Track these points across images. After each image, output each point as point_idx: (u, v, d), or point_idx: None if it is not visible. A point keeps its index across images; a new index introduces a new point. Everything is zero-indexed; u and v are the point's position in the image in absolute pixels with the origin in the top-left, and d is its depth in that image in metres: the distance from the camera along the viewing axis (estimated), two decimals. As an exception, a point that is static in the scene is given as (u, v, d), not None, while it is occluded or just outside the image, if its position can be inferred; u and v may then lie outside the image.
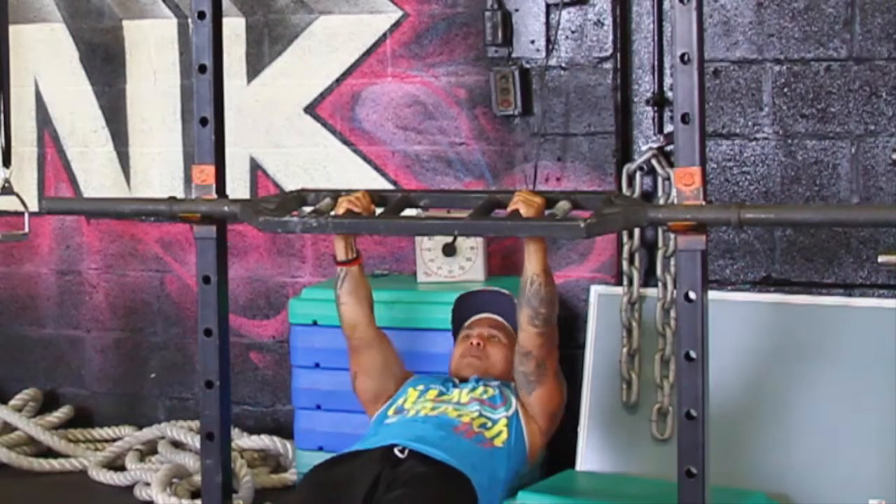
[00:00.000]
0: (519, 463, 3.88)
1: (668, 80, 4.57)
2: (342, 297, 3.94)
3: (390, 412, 3.92)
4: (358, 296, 3.93)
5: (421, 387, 3.97)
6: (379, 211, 3.44)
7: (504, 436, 3.82)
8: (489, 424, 3.82)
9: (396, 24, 4.90)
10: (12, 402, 5.39)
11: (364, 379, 4.03)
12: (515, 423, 3.86)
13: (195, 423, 4.98)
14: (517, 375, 3.90)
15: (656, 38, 4.60)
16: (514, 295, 3.96)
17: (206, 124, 3.28)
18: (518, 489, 4.23)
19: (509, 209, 3.33)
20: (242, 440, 4.94)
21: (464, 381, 3.99)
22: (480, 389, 3.92)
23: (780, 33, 4.48)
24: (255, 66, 5.12)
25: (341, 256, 3.91)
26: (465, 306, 4.19)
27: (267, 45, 5.09)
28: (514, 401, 3.90)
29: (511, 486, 3.90)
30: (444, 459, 3.61)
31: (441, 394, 3.93)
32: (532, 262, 3.68)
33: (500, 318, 4.10)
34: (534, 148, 4.71)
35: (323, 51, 5.02)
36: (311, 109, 5.05)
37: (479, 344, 4.03)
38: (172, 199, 3.38)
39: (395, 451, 3.61)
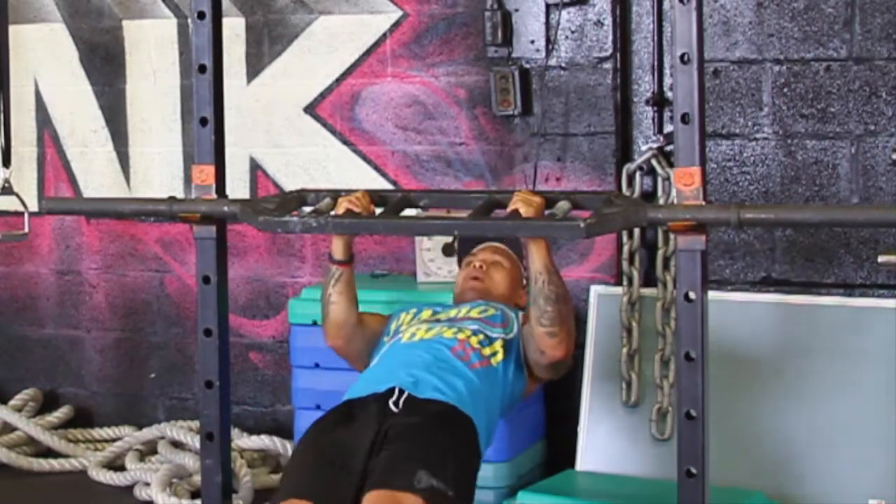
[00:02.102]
0: (513, 394, 3.78)
1: (668, 80, 4.57)
2: (333, 296, 3.88)
3: (385, 339, 3.85)
4: (349, 297, 3.89)
5: (413, 309, 3.92)
6: (379, 211, 3.44)
7: (500, 356, 3.74)
8: (486, 342, 3.76)
9: (396, 24, 4.90)
10: (12, 402, 5.39)
11: (360, 361, 3.95)
12: (515, 349, 3.78)
13: (195, 423, 4.98)
14: (527, 350, 3.81)
15: (656, 38, 4.60)
16: None
17: (206, 124, 3.28)
18: (518, 489, 4.24)
19: (509, 209, 3.32)
20: (242, 440, 4.94)
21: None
22: (481, 307, 3.88)
23: (780, 33, 4.48)
24: (255, 66, 5.12)
25: (339, 256, 3.88)
26: (470, 237, 4.17)
27: (267, 45, 5.09)
28: (515, 326, 3.84)
29: (505, 413, 3.79)
30: (441, 399, 3.53)
31: (436, 312, 3.89)
32: (535, 261, 3.64)
33: (502, 246, 4.09)
34: (534, 148, 4.71)
35: (323, 51, 5.02)
36: (311, 109, 5.05)
37: (481, 267, 4.04)
38: (172, 199, 3.38)
39: (390, 404, 3.51)
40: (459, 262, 4.18)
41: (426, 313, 3.89)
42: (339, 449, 3.44)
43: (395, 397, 3.53)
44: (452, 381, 3.59)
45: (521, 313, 3.90)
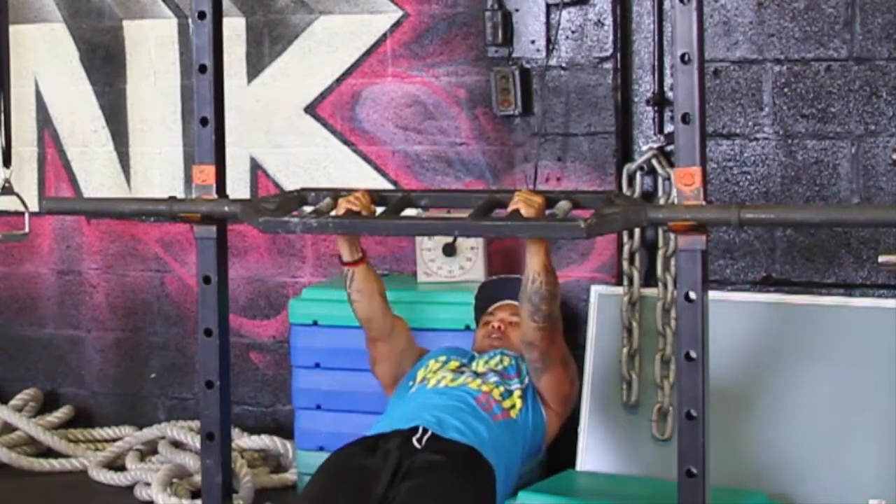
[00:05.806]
0: (534, 440, 3.92)
1: (668, 80, 4.57)
2: (353, 295, 4.02)
3: (411, 383, 3.98)
4: (368, 292, 4.00)
5: (443, 358, 4.04)
6: (379, 210, 3.44)
7: (519, 406, 3.88)
8: (507, 394, 3.89)
9: (396, 24, 4.90)
10: (12, 402, 5.39)
11: (383, 365, 4.12)
12: (531, 398, 3.92)
13: (195, 423, 4.98)
14: (526, 364, 3.96)
15: (656, 38, 4.60)
16: None
17: (206, 124, 3.28)
18: (518, 489, 4.24)
19: (510, 209, 3.32)
20: (242, 440, 4.94)
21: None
22: (497, 359, 4.00)
23: (780, 33, 4.48)
24: (255, 66, 5.12)
25: (347, 258, 3.96)
26: (487, 293, 4.32)
27: (267, 45, 5.09)
28: (527, 375, 3.97)
29: (525, 465, 3.94)
30: (463, 441, 3.64)
31: (462, 364, 4.01)
32: (534, 261, 3.72)
33: (517, 304, 4.14)
34: (534, 148, 4.71)
35: (323, 51, 5.02)
36: (311, 109, 5.05)
37: (499, 327, 4.15)
38: (173, 199, 3.38)
39: (414, 440, 3.61)
40: (478, 318, 4.30)
41: (453, 364, 4.00)
42: (360, 474, 3.54)
43: (418, 435, 3.63)
44: (475, 425, 3.71)
45: None
